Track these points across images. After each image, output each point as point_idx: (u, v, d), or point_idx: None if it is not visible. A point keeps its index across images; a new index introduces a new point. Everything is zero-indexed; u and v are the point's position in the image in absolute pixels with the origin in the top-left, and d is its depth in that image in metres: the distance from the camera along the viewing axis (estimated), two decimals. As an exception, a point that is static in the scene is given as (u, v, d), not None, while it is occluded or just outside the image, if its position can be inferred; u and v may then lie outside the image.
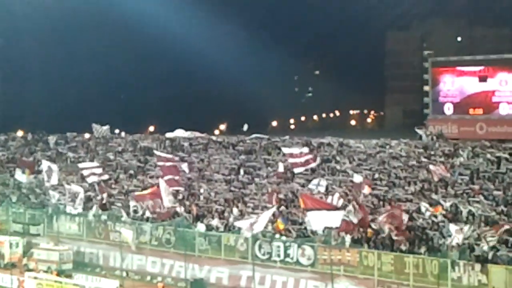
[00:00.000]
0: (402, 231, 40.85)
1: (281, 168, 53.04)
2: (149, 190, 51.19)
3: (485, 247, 37.39)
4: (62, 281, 44.50)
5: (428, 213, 42.63)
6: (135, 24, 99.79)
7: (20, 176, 61.11)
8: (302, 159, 51.53)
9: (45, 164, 57.74)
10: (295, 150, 52.73)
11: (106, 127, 70.76)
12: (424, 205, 43.37)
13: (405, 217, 41.70)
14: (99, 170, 56.15)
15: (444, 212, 42.66)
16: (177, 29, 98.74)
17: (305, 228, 44.05)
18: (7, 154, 69.85)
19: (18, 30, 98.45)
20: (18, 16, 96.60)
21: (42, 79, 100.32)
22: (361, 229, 42.06)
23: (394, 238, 40.47)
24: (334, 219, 39.52)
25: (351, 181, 48.66)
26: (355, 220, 41.51)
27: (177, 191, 52.24)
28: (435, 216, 42.28)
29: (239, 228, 44.80)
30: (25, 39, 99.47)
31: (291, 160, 52.03)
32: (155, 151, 59.71)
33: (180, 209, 49.83)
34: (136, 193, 53.05)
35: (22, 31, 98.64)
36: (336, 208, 40.78)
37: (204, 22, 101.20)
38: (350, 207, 41.84)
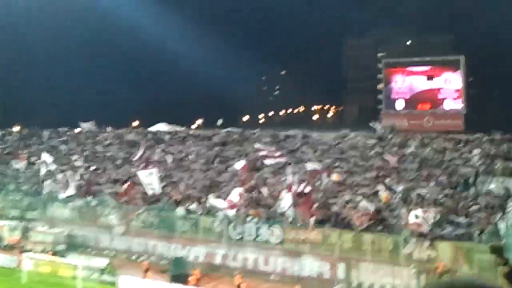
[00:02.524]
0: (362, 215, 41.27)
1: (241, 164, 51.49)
2: (125, 186, 51.14)
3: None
4: (56, 261, 44.34)
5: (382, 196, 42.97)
6: (119, 27, 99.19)
7: (16, 164, 60.93)
8: (274, 154, 51.80)
9: (43, 156, 57.61)
10: (268, 149, 52.89)
11: (91, 122, 70.44)
12: (381, 190, 43.60)
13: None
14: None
15: (393, 199, 42.92)
16: (158, 34, 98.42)
17: (274, 211, 44.24)
18: (5, 148, 69.14)
19: (16, 30, 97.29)
20: (15, 17, 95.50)
21: (36, 78, 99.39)
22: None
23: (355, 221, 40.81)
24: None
25: (310, 170, 48.90)
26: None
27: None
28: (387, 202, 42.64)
29: (216, 211, 45.06)
30: (22, 38, 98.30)
31: (262, 153, 52.21)
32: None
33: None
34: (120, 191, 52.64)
35: (19, 31, 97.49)
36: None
37: (183, 28, 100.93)
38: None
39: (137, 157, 56.84)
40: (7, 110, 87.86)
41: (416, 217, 38.30)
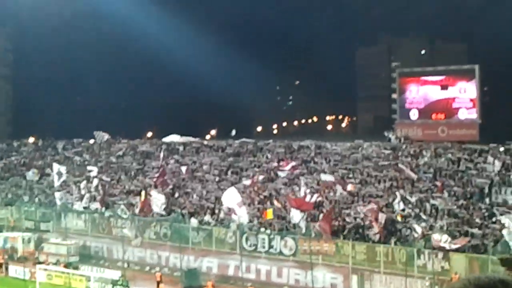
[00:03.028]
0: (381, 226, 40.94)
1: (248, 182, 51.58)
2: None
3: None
4: (69, 272, 44.31)
5: (399, 207, 42.46)
6: (134, 40, 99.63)
7: (30, 176, 61.07)
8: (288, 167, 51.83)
9: (55, 167, 57.73)
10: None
11: (106, 134, 70.61)
12: (397, 202, 43.03)
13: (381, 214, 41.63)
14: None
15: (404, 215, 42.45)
16: (173, 45, 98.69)
17: (288, 222, 44.03)
18: (20, 159, 69.38)
19: (29, 43, 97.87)
20: (27, 28, 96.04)
21: (50, 89, 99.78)
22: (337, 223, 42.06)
23: (374, 232, 40.40)
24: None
25: (323, 181, 48.73)
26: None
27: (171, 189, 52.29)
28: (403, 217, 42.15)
29: (228, 222, 45.00)
30: (37, 51, 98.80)
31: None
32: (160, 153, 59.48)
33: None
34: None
35: (32, 43, 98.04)
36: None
37: (197, 39, 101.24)
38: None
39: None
40: (22, 122, 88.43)
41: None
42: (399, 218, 41.38)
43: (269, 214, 44.74)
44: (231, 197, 44.51)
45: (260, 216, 45.56)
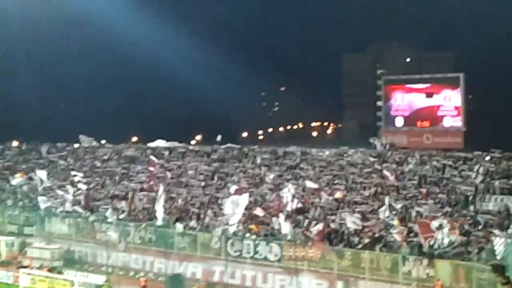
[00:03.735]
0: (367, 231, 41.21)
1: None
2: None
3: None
4: (53, 277, 44.09)
5: (385, 214, 42.59)
6: (120, 45, 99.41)
7: (14, 179, 60.88)
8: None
9: (38, 173, 57.82)
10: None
11: (91, 139, 70.55)
12: (383, 209, 43.17)
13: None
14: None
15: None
16: (156, 50, 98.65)
17: (272, 228, 44.09)
18: (3, 162, 68.99)
19: (13, 42, 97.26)
20: (10, 31, 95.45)
21: (34, 93, 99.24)
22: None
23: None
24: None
25: (307, 188, 48.89)
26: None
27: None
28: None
29: (213, 228, 45.01)
30: (18, 52, 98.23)
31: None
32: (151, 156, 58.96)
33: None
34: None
35: (16, 43, 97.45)
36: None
37: (181, 44, 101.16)
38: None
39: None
40: (5, 125, 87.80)
41: (440, 227, 37.75)
42: (395, 223, 41.49)
43: (254, 228, 44.88)
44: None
45: (246, 222, 45.53)
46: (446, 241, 37.45)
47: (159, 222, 47.82)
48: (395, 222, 41.31)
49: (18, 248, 51.81)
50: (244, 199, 43.99)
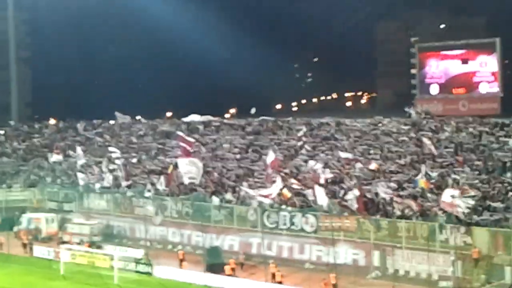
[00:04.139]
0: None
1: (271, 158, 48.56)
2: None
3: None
4: (93, 252, 44.81)
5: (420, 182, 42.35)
6: (150, 23, 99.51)
7: (52, 157, 61.62)
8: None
9: (78, 149, 58.52)
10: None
11: (127, 116, 71.12)
12: (419, 177, 42.83)
13: None
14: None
15: (431, 186, 42.28)
16: (189, 26, 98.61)
17: (308, 199, 44.10)
18: (41, 141, 69.90)
19: (47, 26, 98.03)
20: (44, 12, 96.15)
21: (69, 72, 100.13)
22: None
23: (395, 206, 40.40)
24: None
25: (341, 158, 48.69)
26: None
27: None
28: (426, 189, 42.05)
29: (250, 200, 45.11)
30: (52, 34, 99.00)
31: None
32: (178, 132, 58.74)
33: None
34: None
35: (49, 26, 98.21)
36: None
37: (213, 20, 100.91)
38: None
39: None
40: (42, 104, 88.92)
41: (453, 197, 37.32)
42: (424, 186, 41.25)
43: (286, 193, 44.80)
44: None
45: (281, 194, 45.57)
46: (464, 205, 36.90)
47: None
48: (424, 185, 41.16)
49: (58, 224, 52.73)
50: None
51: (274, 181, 44.70)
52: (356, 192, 41.14)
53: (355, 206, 40.77)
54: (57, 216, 53.51)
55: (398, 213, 40.01)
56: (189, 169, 47.66)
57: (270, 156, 47.04)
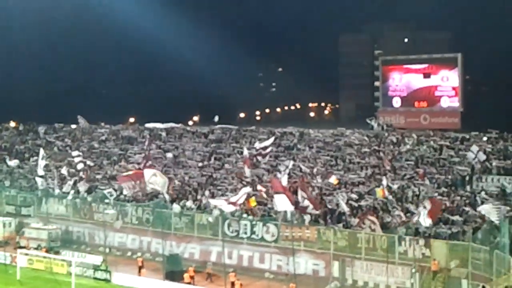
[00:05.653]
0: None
1: (245, 152, 50.84)
2: (130, 172, 50.31)
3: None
4: (50, 257, 44.16)
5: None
6: (118, 27, 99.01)
7: (11, 161, 60.71)
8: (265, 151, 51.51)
9: (41, 152, 57.49)
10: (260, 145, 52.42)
11: (87, 121, 70.41)
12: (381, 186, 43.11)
13: None
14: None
15: (388, 195, 42.61)
16: (154, 31, 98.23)
17: (270, 208, 44.06)
18: (1, 143, 68.79)
19: (9, 28, 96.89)
20: (9, 14, 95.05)
21: (31, 75, 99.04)
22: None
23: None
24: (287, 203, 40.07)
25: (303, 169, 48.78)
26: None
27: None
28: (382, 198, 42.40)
29: (211, 209, 44.87)
30: (16, 37, 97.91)
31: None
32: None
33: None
34: (121, 175, 51.71)
35: (13, 29, 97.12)
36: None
37: (180, 26, 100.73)
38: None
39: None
40: (2, 106, 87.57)
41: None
42: (381, 195, 41.59)
43: (252, 201, 44.71)
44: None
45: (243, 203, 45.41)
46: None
47: None
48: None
49: (16, 228, 51.85)
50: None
51: (245, 183, 44.63)
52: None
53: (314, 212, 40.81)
54: (15, 220, 52.63)
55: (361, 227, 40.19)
56: (154, 179, 47.33)
57: (245, 153, 47.05)
